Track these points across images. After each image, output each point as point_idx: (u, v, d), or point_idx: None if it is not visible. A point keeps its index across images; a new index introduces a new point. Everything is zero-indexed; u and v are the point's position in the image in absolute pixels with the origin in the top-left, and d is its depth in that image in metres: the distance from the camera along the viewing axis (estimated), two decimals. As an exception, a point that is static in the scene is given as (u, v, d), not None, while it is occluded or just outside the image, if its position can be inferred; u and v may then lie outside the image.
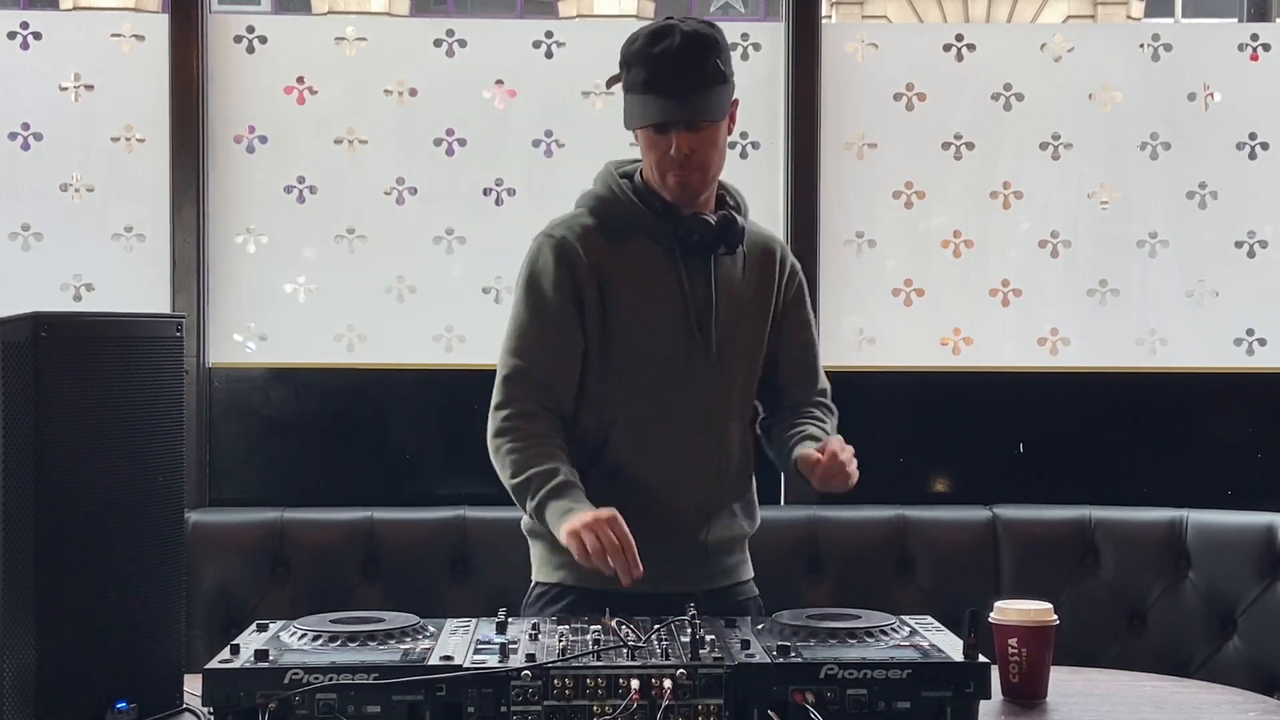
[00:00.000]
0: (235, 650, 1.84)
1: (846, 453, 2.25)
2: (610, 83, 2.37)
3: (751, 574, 2.51)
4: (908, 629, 1.98)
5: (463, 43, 3.40)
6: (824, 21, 3.43)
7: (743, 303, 2.39)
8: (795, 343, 2.47)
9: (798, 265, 2.51)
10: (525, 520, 2.36)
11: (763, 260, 2.43)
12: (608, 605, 2.03)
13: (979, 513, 3.20)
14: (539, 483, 2.20)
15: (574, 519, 2.11)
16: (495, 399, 2.30)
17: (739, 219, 2.35)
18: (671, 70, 2.23)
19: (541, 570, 2.38)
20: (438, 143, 3.39)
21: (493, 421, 2.29)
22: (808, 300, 2.51)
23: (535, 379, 2.28)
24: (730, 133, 2.35)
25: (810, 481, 2.27)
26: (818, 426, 2.40)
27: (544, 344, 2.29)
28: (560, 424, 2.29)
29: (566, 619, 2.07)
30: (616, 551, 2.05)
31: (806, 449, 2.28)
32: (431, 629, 2.01)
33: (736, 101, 2.34)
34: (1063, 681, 2.14)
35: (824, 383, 2.52)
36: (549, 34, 3.40)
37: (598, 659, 1.81)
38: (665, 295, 2.32)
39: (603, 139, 3.35)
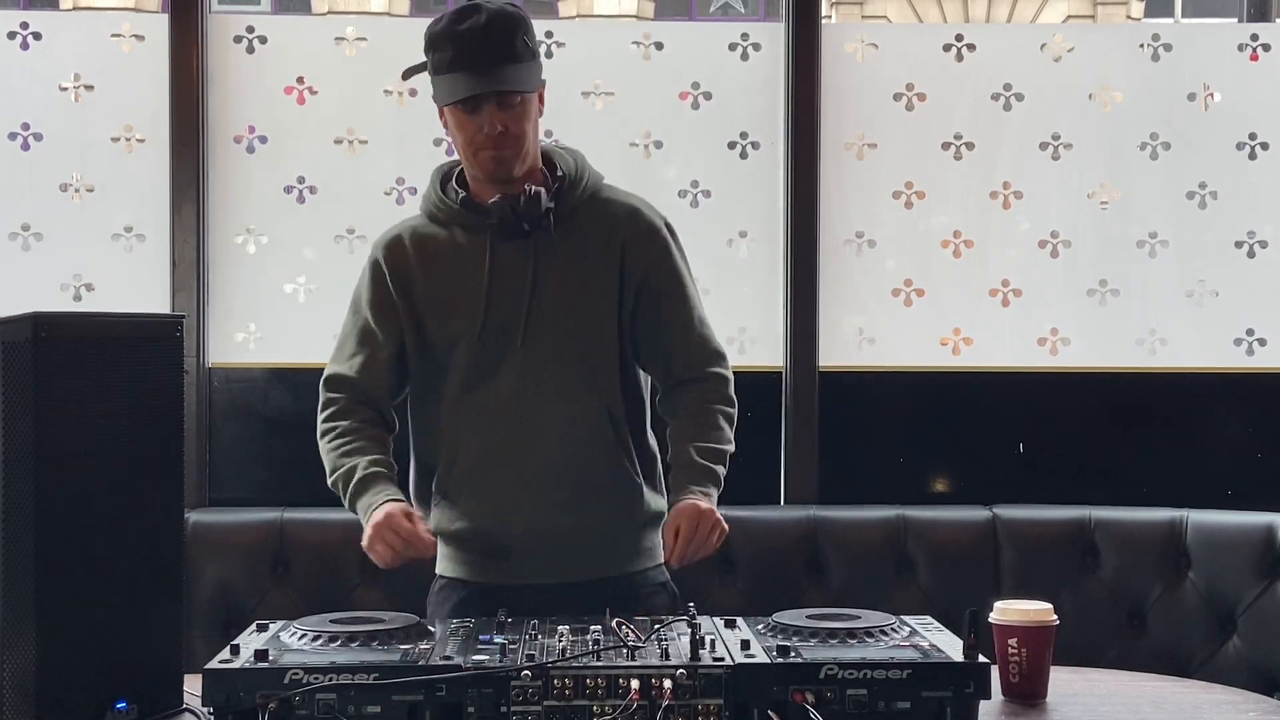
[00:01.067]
0: (235, 650, 1.84)
1: (703, 527, 2.19)
2: (408, 73, 2.37)
3: (657, 561, 2.42)
4: (908, 629, 1.98)
5: (463, 43, 3.39)
6: (824, 21, 3.42)
7: (571, 281, 2.33)
8: (655, 314, 2.37)
9: (660, 226, 2.40)
10: None
11: (599, 230, 2.36)
12: (502, 599, 2.13)
13: (979, 513, 3.20)
14: (343, 484, 2.31)
15: (365, 534, 2.21)
16: (319, 405, 2.40)
17: (540, 193, 2.29)
18: (479, 45, 2.23)
19: (441, 563, 2.43)
20: (437, 143, 3.38)
21: (317, 426, 2.39)
22: (675, 263, 2.40)
23: (350, 380, 2.38)
24: (540, 114, 2.33)
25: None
26: (697, 447, 2.31)
27: (359, 351, 2.39)
28: (377, 417, 2.37)
29: (565, 619, 2.07)
30: (406, 547, 2.17)
31: (665, 530, 2.23)
32: (431, 629, 2.01)
33: (544, 83, 2.33)
34: (1063, 681, 2.14)
35: (709, 347, 2.40)
36: (549, 34, 3.40)
37: (598, 659, 1.81)
38: (471, 285, 2.33)
39: (603, 139, 3.35)
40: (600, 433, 2.34)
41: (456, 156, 2.39)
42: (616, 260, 2.35)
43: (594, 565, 2.32)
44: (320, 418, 2.39)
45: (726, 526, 2.24)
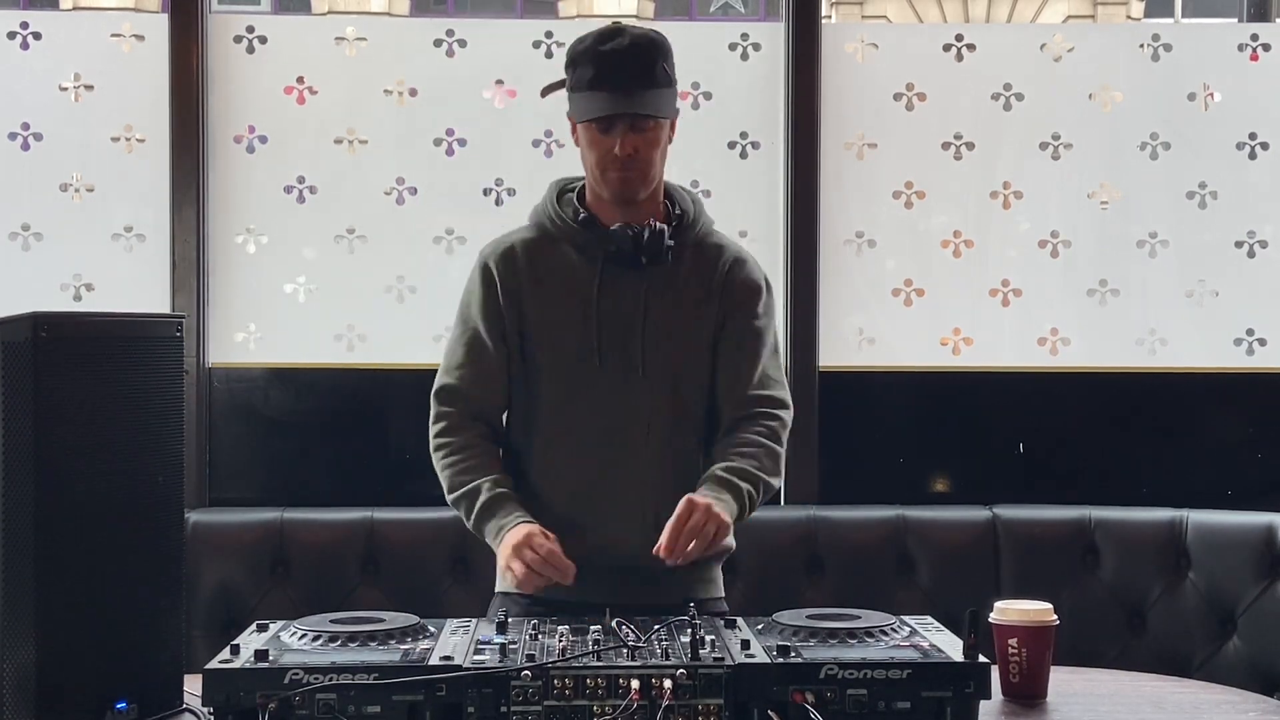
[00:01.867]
0: (235, 650, 1.84)
1: (699, 517, 2.16)
2: (547, 90, 2.40)
3: (719, 593, 2.46)
4: (908, 629, 1.98)
5: (463, 43, 3.40)
6: (824, 21, 3.42)
7: (676, 316, 2.36)
8: (729, 353, 2.39)
9: (754, 273, 2.43)
10: None
11: (704, 271, 2.40)
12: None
13: (979, 513, 3.20)
14: (468, 504, 2.32)
15: (500, 553, 2.23)
16: (431, 415, 2.42)
17: (664, 229, 2.32)
18: (620, 67, 2.26)
19: (500, 580, 2.42)
20: (438, 143, 3.39)
21: (430, 438, 2.41)
22: (758, 310, 2.42)
23: (463, 392, 2.38)
24: (670, 141, 2.36)
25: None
26: (731, 465, 2.30)
27: (470, 362, 2.38)
28: (490, 431, 2.41)
29: (565, 620, 2.07)
30: (542, 566, 2.17)
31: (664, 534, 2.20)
32: (431, 629, 2.01)
33: (678, 112, 2.37)
34: (1063, 681, 2.14)
35: (767, 390, 2.40)
36: (549, 34, 3.40)
37: (598, 659, 1.81)
38: (580, 306, 2.34)
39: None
40: (690, 465, 2.37)
41: (579, 172, 2.40)
42: (717, 302, 2.39)
43: (662, 592, 2.28)
44: (432, 432, 2.40)
45: (729, 521, 2.21)
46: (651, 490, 2.33)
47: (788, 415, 2.42)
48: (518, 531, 2.21)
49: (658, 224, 2.34)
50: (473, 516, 2.31)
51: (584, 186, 2.42)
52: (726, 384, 2.40)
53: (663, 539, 2.17)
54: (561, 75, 2.37)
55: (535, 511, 2.30)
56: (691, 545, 2.16)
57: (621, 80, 2.26)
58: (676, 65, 2.36)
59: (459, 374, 2.39)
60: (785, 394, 2.44)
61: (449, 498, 2.36)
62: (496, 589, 2.45)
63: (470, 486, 2.32)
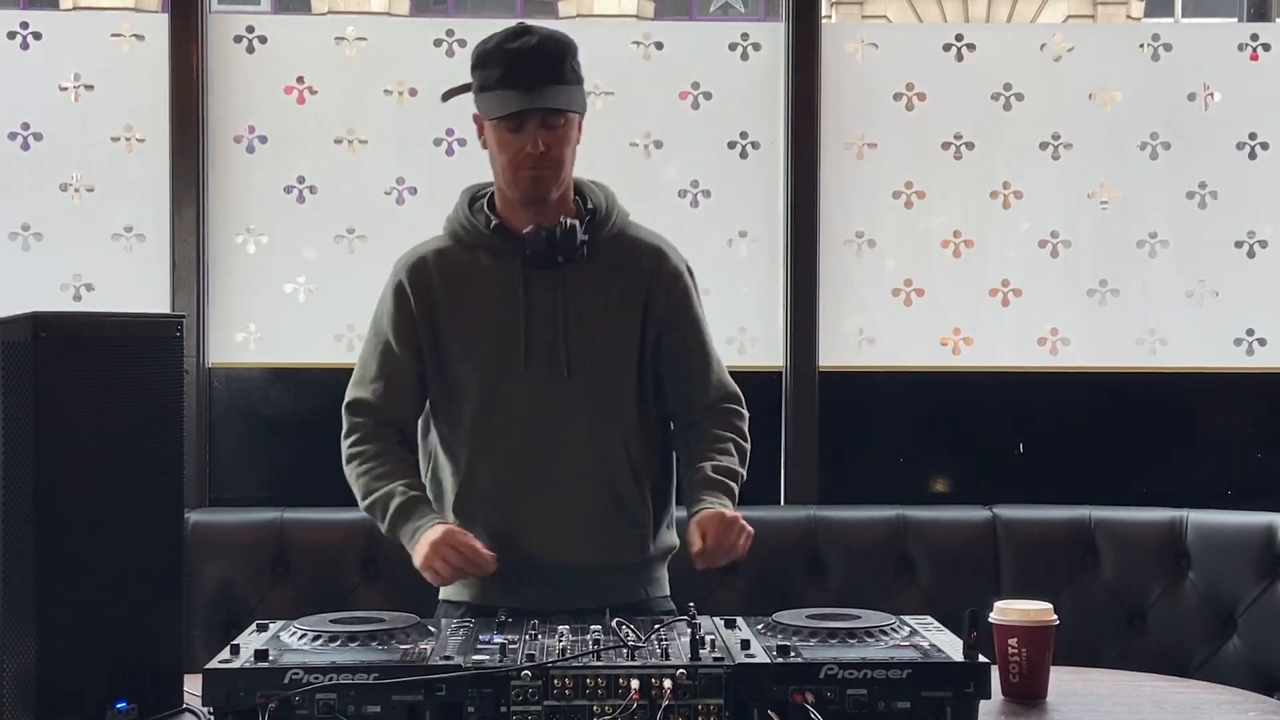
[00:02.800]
0: (235, 650, 1.84)
1: (731, 533, 2.20)
2: (449, 95, 2.39)
3: (664, 592, 2.45)
4: (908, 629, 1.98)
5: (463, 43, 3.39)
6: (824, 21, 3.42)
7: (598, 314, 2.35)
8: (677, 356, 2.40)
9: (681, 269, 2.43)
10: None
11: (626, 268, 2.38)
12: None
13: (979, 513, 3.20)
14: (381, 509, 2.31)
15: (417, 554, 2.21)
16: (343, 429, 2.41)
17: (576, 225, 2.31)
18: (529, 64, 2.25)
19: (442, 589, 2.41)
20: (438, 143, 3.39)
21: (342, 451, 2.40)
22: (694, 306, 2.43)
23: (374, 405, 2.38)
24: (579, 141, 2.34)
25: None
26: (714, 463, 2.32)
27: (382, 374, 2.38)
28: (402, 439, 2.40)
29: (565, 619, 2.07)
30: (463, 562, 2.18)
31: (691, 532, 2.22)
32: (431, 629, 2.01)
33: (585, 110, 2.35)
34: (1063, 681, 2.14)
35: (726, 389, 2.43)
36: (549, 34, 3.40)
37: (598, 659, 1.81)
38: (502, 312, 2.33)
39: (603, 139, 3.35)
40: (617, 465, 2.36)
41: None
42: (640, 300, 2.37)
43: (601, 595, 2.27)
44: (346, 443, 2.39)
45: (752, 530, 2.24)
46: (578, 495, 2.33)
47: (745, 410, 2.45)
48: (434, 530, 2.20)
49: (569, 221, 2.31)
50: (386, 520, 2.29)
51: (494, 193, 2.39)
52: (684, 387, 2.41)
53: (700, 553, 2.19)
54: (466, 79, 2.34)
55: (466, 521, 2.30)
56: (724, 558, 2.21)
57: (531, 77, 2.25)
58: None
59: (372, 387, 2.38)
60: (736, 387, 2.46)
61: (362, 505, 2.34)
62: (440, 597, 2.43)
63: (383, 492, 2.30)
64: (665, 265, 2.41)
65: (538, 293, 2.33)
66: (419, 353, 2.37)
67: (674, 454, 2.45)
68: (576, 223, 2.32)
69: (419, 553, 2.20)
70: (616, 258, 2.37)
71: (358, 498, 2.36)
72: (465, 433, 2.36)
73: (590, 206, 2.38)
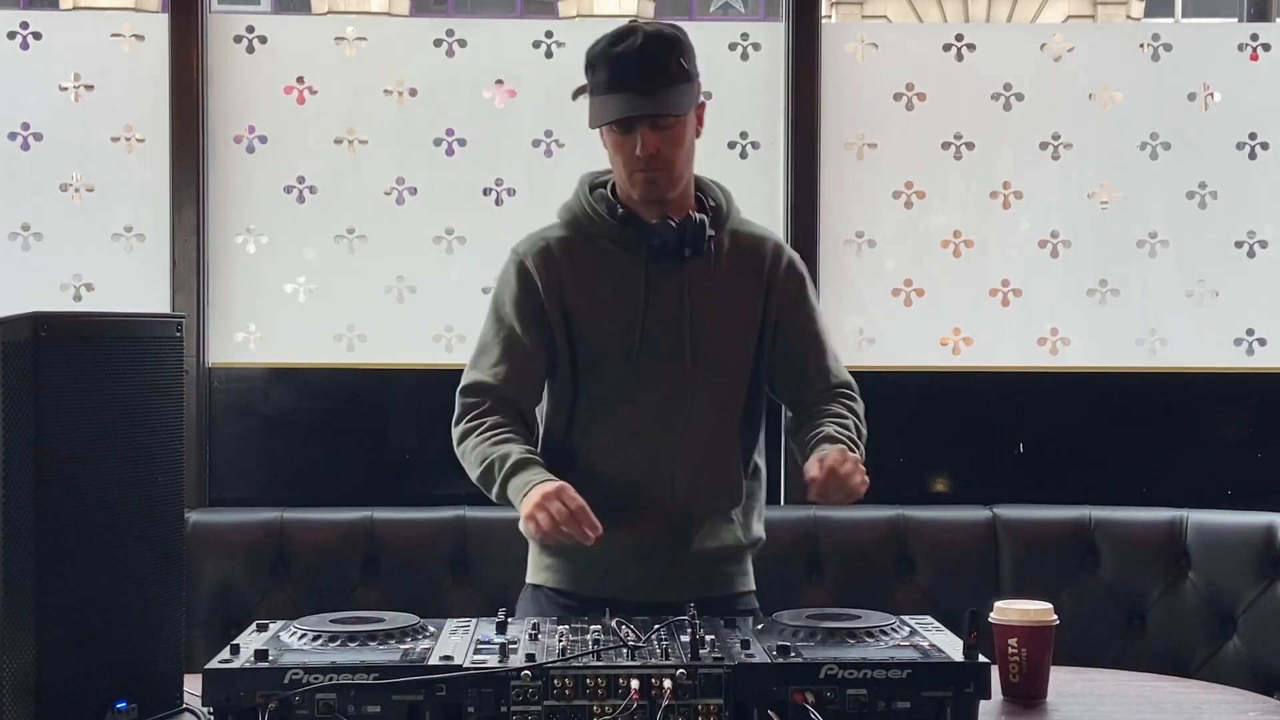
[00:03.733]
0: (235, 650, 1.84)
1: (849, 464, 2.18)
2: (577, 94, 2.37)
3: (751, 586, 2.48)
4: (908, 629, 1.98)
5: (463, 43, 3.40)
6: (824, 21, 3.42)
7: (721, 307, 2.36)
8: (797, 344, 2.44)
9: (796, 261, 2.47)
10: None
11: (748, 262, 2.41)
12: (597, 610, 2.07)
13: (979, 513, 3.20)
14: (498, 466, 2.24)
15: (526, 502, 2.14)
16: (456, 412, 2.36)
17: (704, 221, 2.33)
18: (634, 67, 2.25)
19: (532, 572, 2.43)
20: (438, 143, 3.39)
21: (455, 433, 2.35)
22: (810, 297, 2.47)
23: (491, 386, 2.34)
24: (699, 135, 2.36)
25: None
26: (836, 425, 2.34)
27: (506, 360, 2.35)
28: (522, 419, 2.35)
29: (566, 619, 2.07)
30: (568, 519, 2.09)
31: (809, 463, 2.22)
32: (431, 629, 2.01)
33: (704, 105, 2.37)
34: (1063, 681, 2.14)
35: (842, 377, 2.47)
36: (549, 34, 3.40)
37: (598, 659, 1.81)
38: (626, 302, 2.34)
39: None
40: (728, 455, 2.39)
41: (606, 166, 2.39)
42: (762, 293, 2.40)
43: (694, 588, 2.28)
44: (462, 420, 2.33)
45: (867, 480, 2.20)
46: (692, 482, 2.35)
47: (859, 398, 2.48)
48: (549, 485, 2.14)
49: (699, 216, 2.33)
50: (501, 473, 2.22)
51: (615, 183, 2.39)
52: (801, 374, 2.43)
53: (817, 481, 2.16)
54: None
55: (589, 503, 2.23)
56: (836, 494, 2.16)
57: (635, 81, 2.24)
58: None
59: (493, 371, 2.34)
60: (849, 375, 2.49)
61: (476, 471, 2.27)
62: (528, 579, 2.43)
63: (500, 452, 2.24)
64: (783, 257, 2.44)
65: (661, 285, 2.34)
66: (543, 337, 2.35)
67: (781, 444, 2.44)
68: (705, 218, 2.34)
69: (528, 502, 2.13)
70: (738, 253, 2.40)
71: (471, 469, 2.29)
72: (584, 421, 2.36)
73: (713, 203, 2.40)
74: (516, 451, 2.24)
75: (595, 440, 2.36)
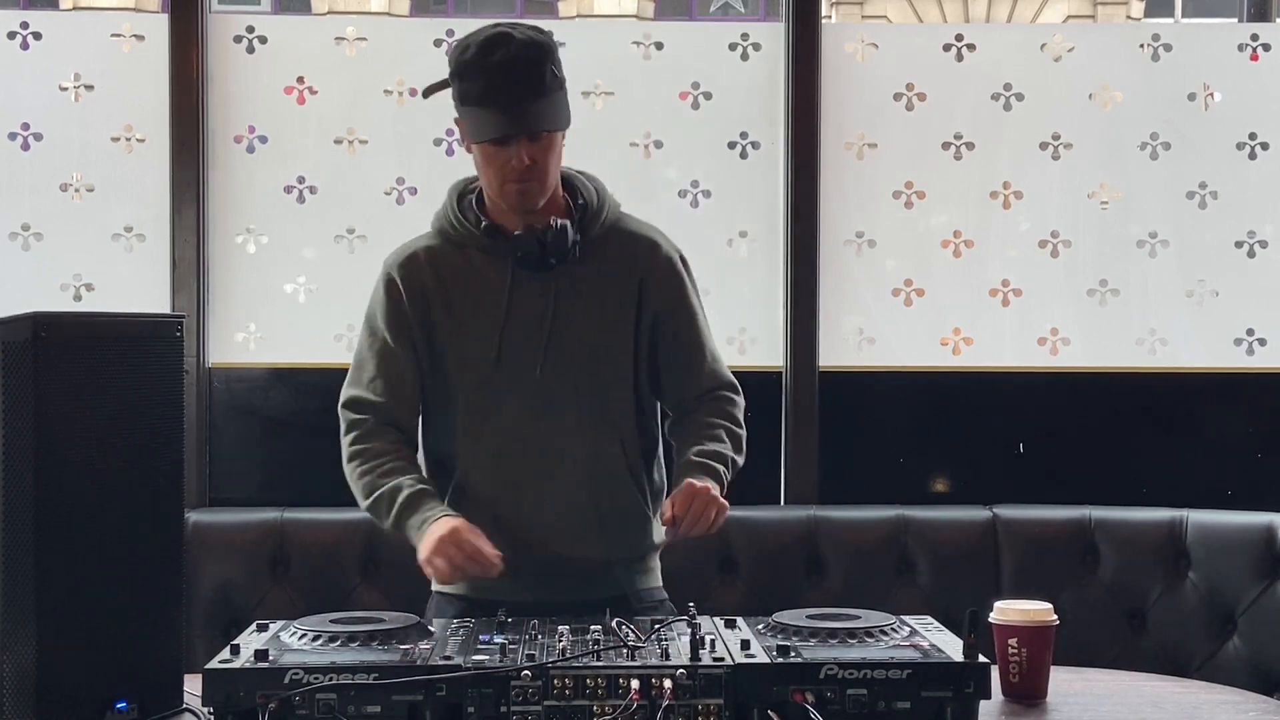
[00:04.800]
0: (235, 650, 1.84)
1: (698, 502, 2.16)
2: (429, 91, 2.34)
3: (657, 582, 2.45)
4: (908, 629, 1.98)
5: (463, 43, 3.39)
6: (824, 21, 3.42)
7: (589, 313, 2.33)
8: (675, 346, 2.39)
9: (676, 259, 2.41)
10: None
11: (621, 262, 2.36)
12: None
13: (979, 513, 3.20)
14: (387, 503, 2.26)
15: (423, 547, 2.17)
16: (342, 427, 2.38)
17: (567, 226, 2.28)
18: (511, 81, 2.20)
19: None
20: (437, 143, 3.39)
21: (343, 449, 2.36)
22: (690, 296, 2.41)
23: (375, 403, 2.35)
24: (563, 142, 2.32)
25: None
26: (699, 450, 2.31)
27: (381, 373, 2.35)
28: (405, 439, 2.36)
29: (565, 619, 2.08)
30: (469, 563, 2.13)
31: (664, 504, 2.21)
32: (431, 629, 2.01)
33: (566, 123, 2.31)
34: (1063, 681, 2.14)
35: (721, 379, 2.42)
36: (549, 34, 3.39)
37: (598, 659, 1.81)
38: (489, 311, 2.32)
39: (603, 139, 3.35)
40: (613, 462, 2.36)
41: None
42: (634, 293, 2.36)
43: (597, 588, 2.30)
44: (346, 441, 2.36)
45: (726, 504, 2.21)
46: (574, 491, 2.33)
47: (741, 399, 2.43)
48: (442, 524, 2.16)
49: (559, 222, 2.29)
50: (393, 513, 2.24)
51: (482, 189, 2.36)
52: (679, 376, 2.40)
53: (668, 512, 2.17)
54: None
55: (465, 512, 2.28)
56: (695, 528, 2.17)
57: (514, 96, 2.19)
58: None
59: (370, 385, 2.35)
60: (731, 376, 2.45)
61: (365, 502, 2.30)
62: (432, 588, 2.43)
63: (389, 486, 2.26)
64: (658, 256, 2.39)
65: (528, 294, 2.32)
66: (415, 349, 2.35)
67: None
68: (568, 224, 2.30)
69: (424, 546, 2.16)
70: (610, 254, 2.36)
71: (359, 497, 2.33)
72: (458, 435, 2.36)
73: (581, 202, 2.36)
74: (406, 485, 2.26)
75: (468, 453, 2.35)
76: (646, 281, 2.37)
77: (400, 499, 2.25)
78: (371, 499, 2.29)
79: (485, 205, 2.36)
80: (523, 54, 2.20)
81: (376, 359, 2.36)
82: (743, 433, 2.41)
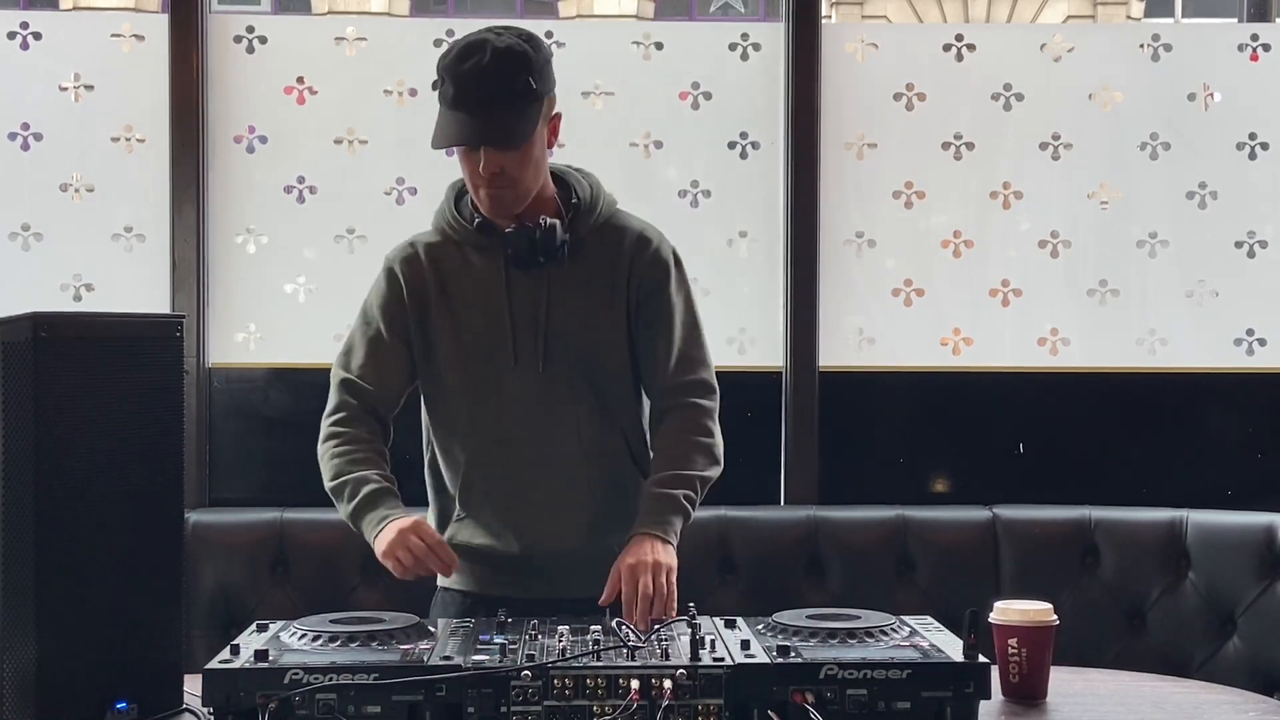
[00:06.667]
0: (235, 650, 1.84)
1: (644, 577, 2.11)
2: (435, 86, 2.33)
3: None
4: (908, 629, 1.98)
5: (463, 43, 3.39)
6: (824, 21, 3.42)
7: (583, 307, 2.34)
8: (651, 333, 2.37)
9: (665, 251, 2.39)
10: None
11: (610, 256, 2.37)
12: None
13: (979, 513, 3.20)
14: (351, 490, 2.28)
15: (380, 542, 2.19)
16: (327, 406, 2.40)
17: (556, 225, 2.28)
18: (477, 89, 2.19)
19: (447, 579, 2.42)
20: (438, 143, 3.38)
21: (323, 426, 2.38)
22: (672, 288, 2.38)
23: (364, 389, 2.36)
24: (552, 146, 2.32)
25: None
26: (660, 477, 2.28)
27: (371, 360, 2.37)
28: (383, 432, 2.39)
29: (565, 619, 2.08)
30: (428, 557, 2.15)
31: (607, 588, 2.16)
32: (431, 629, 2.01)
33: (558, 117, 2.31)
34: (1063, 681, 2.14)
35: (692, 375, 2.38)
36: (549, 34, 3.39)
37: (598, 659, 1.81)
38: (487, 307, 2.34)
39: (603, 139, 3.35)
40: (617, 455, 2.38)
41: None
42: (623, 287, 2.36)
43: (602, 581, 2.26)
44: (329, 419, 2.37)
45: (673, 562, 2.17)
46: (578, 486, 2.34)
47: (711, 401, 2.39)
48: (403, 520, 2.19)
49: (548, 220, 2.29)
50: (355, 502, 2.26)
51: None
52: (647, 370, 2.39)
53: (606, 598, 2.14)
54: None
55: (477, 516, 2.33)
56: (652, 608, 2.11)
57: (478, 104, 2.19)
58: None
59: (360, 370, 2.37)
60: (708, 375, 2.41)
61: (331, 483, 2.31)
62: (439, 584, 2.44)
63: (357, 475, 2.28)
64: (646, 247, 2.38)
65: (521, 291, 2.33)
66: (408, 343, 2.37)
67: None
68: (557, 222, 2.30)
69: (384, 539, 2.18)
70: (602, 250, 2.36)
71: (325, 475, 2.34)
72: (460, 432, 2.37)
73: (574, 200, 2.37)
74: (373, 479, 2.28)
75: (472, 450, 2.36)
76: (632, 271, 2.37)
77: (364, 492, 2.26)
78: (336, 482, 2.31)
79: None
80: (494, 65, 2.19)
81: (368, 346, 2.39)
82: (714, 440, 2.37)
